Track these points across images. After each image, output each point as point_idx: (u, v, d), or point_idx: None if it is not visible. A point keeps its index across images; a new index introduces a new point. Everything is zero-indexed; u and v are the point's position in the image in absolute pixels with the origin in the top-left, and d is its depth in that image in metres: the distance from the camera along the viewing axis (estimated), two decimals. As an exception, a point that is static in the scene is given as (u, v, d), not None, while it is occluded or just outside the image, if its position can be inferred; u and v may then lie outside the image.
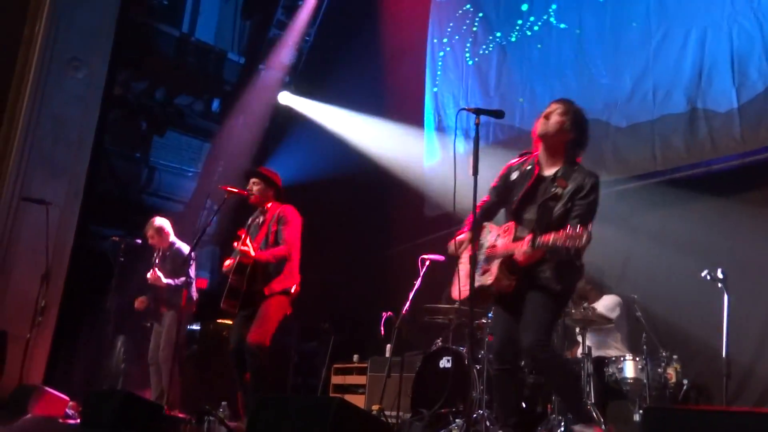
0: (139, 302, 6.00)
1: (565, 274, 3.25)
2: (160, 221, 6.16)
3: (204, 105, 10.69)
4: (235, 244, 4.71)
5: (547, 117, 3.39)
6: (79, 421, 4.82)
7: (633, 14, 5.99)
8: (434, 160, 7.86)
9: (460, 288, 3.41)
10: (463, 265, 3.41)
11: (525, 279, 3.26)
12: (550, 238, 3.02)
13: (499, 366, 3.38)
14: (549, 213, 3.24)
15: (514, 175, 3.49)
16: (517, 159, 3.58)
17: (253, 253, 4.62)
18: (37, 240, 6.49)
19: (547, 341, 3.26)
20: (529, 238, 3.14)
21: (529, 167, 3.44)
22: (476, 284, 3.25)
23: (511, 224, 3.33)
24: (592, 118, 6.17)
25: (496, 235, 3.40)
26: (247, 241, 4.66)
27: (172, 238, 6.16)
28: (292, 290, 4.77)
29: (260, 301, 4.65)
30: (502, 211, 3.60)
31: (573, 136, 3.34)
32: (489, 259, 3.35)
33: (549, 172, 3.37)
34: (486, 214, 3.59)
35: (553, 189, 3.27)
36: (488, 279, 3.28)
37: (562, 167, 3.33)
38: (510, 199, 3.45)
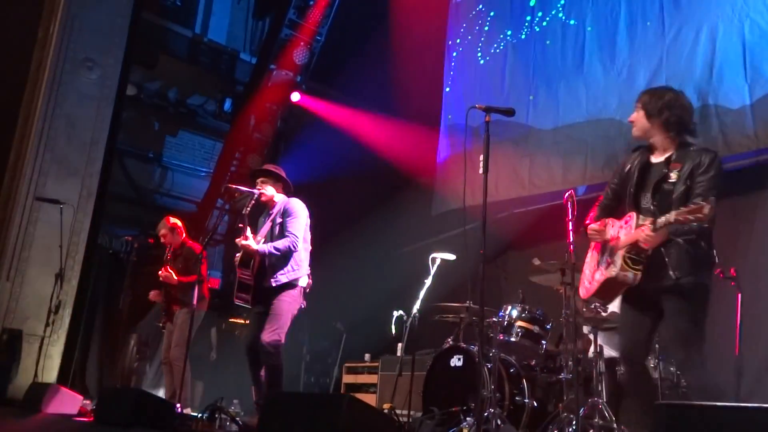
0: (154, 294, 6.06)
1: (692, 262, 3.10)
2: (174, 220, 6.23)
3: (216, 105, 10.72)
4: (237, 240, 4.73)
5: (632, 122, 3.43)
6: (92, 419, 4.86)
7: (647, 12, 5.97)
8: (444, 158, 7.86)
9: (586, 286, 3.42)
10: (588, 264, 3.43)
11: (651, 271, 3.14)
12: (671, 215, 2.95)
13: (628, 367, 3.34)
14: (668, 196, 3.17)
15: (627, 167, 3.45)
16: (633, 152, 3.55)
17: (254, 247, 4.64)
18: (51, 239, 6.56)
19: (699, 358, 3.07)
20: (649, 221, 3.08)
21: (640, 157, 3.42)
22: (602, 277, 3.24)
23: (631, 214, 3.25)
24: (606, 117, 6.20)
25: (618, 228, 3.35)
26: (248, 233, 4.67)
27: (185, 236, 6.21)
28: (302, 282, 4.77)
29: (273, 296, 4.67)
30: None
31: (666, 115, 3.26)
32: (612, 252, 3.29)
33: (660, 157, 3.33)
34: (604, 211, 3.54)
35: (667, 171, 3.22)
36: (612, 270, 3.21)
37: (674, 151, 3.27)
38: (626, 192, 3.40)
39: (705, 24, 5.42)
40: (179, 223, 6.24)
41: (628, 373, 3.36)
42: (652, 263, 3.14)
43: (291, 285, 4.71)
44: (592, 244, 3.52)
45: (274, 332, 4.56)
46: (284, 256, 4.71)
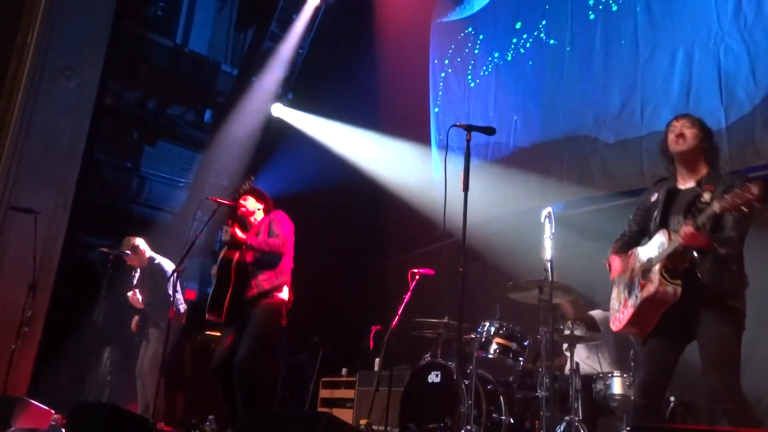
0: (135, 323, 6.01)
1: (732, 284, 3.08)
2: (136, 240, 6.15)
3: (196, 115, 10.67)
4: (226, 229, 4.54)
5: (680, 135, 3.38)
6: (63, 433, 4.77)
7: (622, 32, 6.07)
8: (438, 176, 7.91)
9: (618, 317, 3.35)
10: (615, 299, 3.41)
11: (691, 289, 3.07)
12: (715, 205, 2.90)
13: (644, 400, 3.21)
14: (701, 215, 3.11)
15: (653, 197, 3.46)
16: (655, 185, 3.56)
17: (244, 236, 4.46)
18: (24, 249, 6.44)
19: (737, 385, 3.02)
20: (689, 223, 3.04)
21: (666, 186, 3.42)
22: (639, 300, 3.17)
23: (663, 231, 3.22)
24: (582, 134, 6.29)
25: (647, 252, 3.31)
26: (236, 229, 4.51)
27: (150, 254, 6.15)
28: (283, 295, 4.60)
29: (249, 311, 4.50)
30: None
31: (709, 144, 3.37)
32: (646, 273, 3.24)
33: (689, 184, 3.35)
34: (627, 245, 3.53)
35: (700, 191, 3.22)
36: (650, 288, 3.13)
37: (706, 175, 3.31)
38: (652, 220, 3.39)
39: (681, 47, 5.53)
40: (140, 241, 6.16)
41: (641, 407, 3.21)
42: (691, 279, 3.09)
43: (270, 295, 4.53)
44: (617, 279, 3.48)
45: (250, 353, 4.31)
46: (268, 261, 4.55)
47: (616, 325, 3.40)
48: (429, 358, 5.36)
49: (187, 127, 10.57)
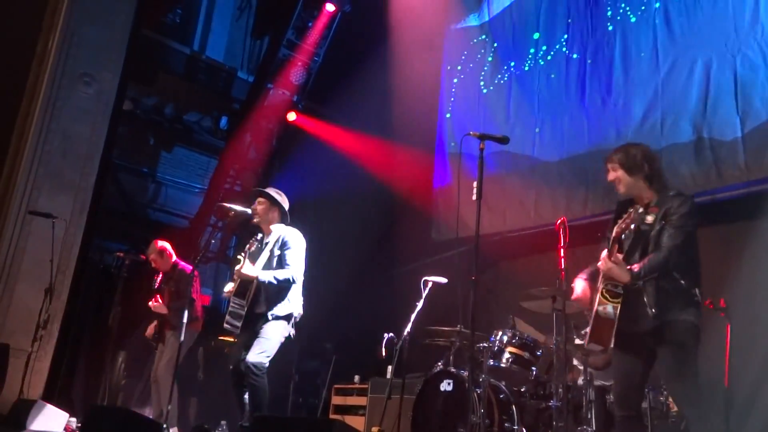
0: (150, 330, 6.03)
1: (671, 299, 3.21)
2: (162, 244, 6.19)
3: (212, 122, 10.76)
4: (236, 268, 4.70)
5: (613, 182, 3.51)
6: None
7: (642, 44, 6.05)
8: (444, 184, 7.89)
9: (587, 332, 3.43)
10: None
11: (632, 312, 3.22)
12: (613, 231, 3.16)
13: (621, 412, 3.36)
14: (644, 236, 3.31)
15: (612, 222, 3.52)
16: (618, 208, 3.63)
17: (254, 274, 4.60)
18: (42, 253, 6.51)
19: (696, 393, 3.15)
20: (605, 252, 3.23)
21: (621, 210, 3.50)
22: (592, 316, 3.30)
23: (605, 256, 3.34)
24: (605, 148, 6.26)
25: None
26: (247, 262, 4.65)
27: (175, 259, 6.18)
28: (295, 314, 4.77)
29: (263, 322, 4.65)
30: None
31: (644, 171, 3.42)
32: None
33: (640, 208, 3.41)
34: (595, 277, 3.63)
35: (645, 215, 3.36)
36: (596, 306, 3.28)
37: (654, 201, 3.42)
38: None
39: (699, 58, 5.51)
40: (167, 246, 6.21)
41: (621, 419, 3.36)
42: (632, 303, 3.23)
43: (284, 317, 4.72)
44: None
45: (260, 354, 4.53)
46: (281, 289, 4.69)
47: (586, 340, 3.48)
48: (441, 367, 5.35)
49: (203, 134, 10.66)
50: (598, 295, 3.25)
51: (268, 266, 4.76)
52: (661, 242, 3.25)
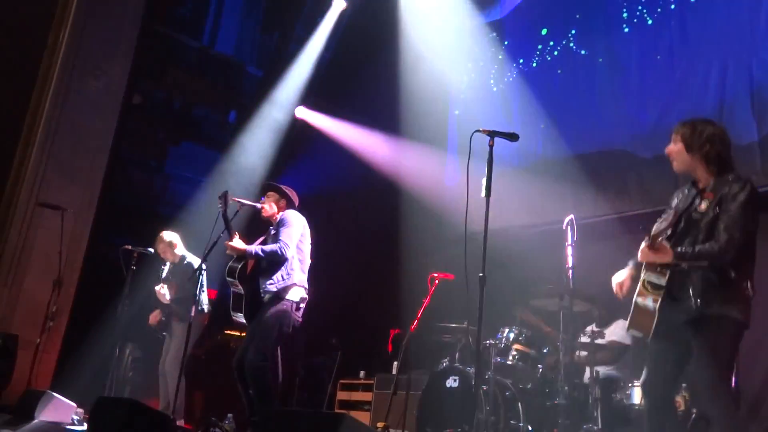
0: (153, 317, 6.06)
1: (717, 291, 2.97)
2: (170, 235, 6.21)
3: (221, 116, 10.77)
4: (225, 243, 4.72)
5: (669, 155, 3.30)
6: (85, 427, 4.83)
7: (658, 46, 6.03)
8: (455, 181, 7.89)
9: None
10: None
11: (676, 299, 3.02)
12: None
13: (649, 402, 3.20)
14: (695, 225, 3.07)
15: (674, 202, 3.36)
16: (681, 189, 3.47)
17: (241, 246, 4.61)
18: (50, 245, 6.55)
19: (730, 402, 2.96)
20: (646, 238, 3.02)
21: (684, 191, 3.34)
22: (633, 305, 3.15)
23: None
24: (617, 148, 6.24)
25: None
26: (237, 238, 4.66)
27: (183, 251, 6.20)
28: (293, 296, 4.69)
29: (262, 310, 4.64)
30: None
31: (705, 149, 3.15)
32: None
33: (694, 192, 3.25)
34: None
35: (699, 201, 3.14)
36: (636, 296, 3.13)
37: (712, 183, 3.15)
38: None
39: (715, 60, 5.49)
40: (176, 237, 6.23)
41: (648, 409, 3.20)
42: (676, 290, 3.03)
43: (279, 297, 4.65)
44: None
45: (258, 351, 4.51)
46: (273, 264, 4.65)
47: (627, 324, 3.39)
48: (447, 363, 5.36)
49: (212, 128, 10.66)
50: (639, 285, 3.09)
51: (263, 245, 4.81)
52: (716, 232, 2.98)
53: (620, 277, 3.29)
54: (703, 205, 3.09)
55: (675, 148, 3.24)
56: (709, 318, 2.97)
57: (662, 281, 3.03)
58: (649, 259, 3.04)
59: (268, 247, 4.65)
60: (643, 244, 3.02)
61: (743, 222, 2.99)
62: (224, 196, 4.77)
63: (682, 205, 3.21)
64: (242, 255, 4.67)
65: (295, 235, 4.74)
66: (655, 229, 3.10)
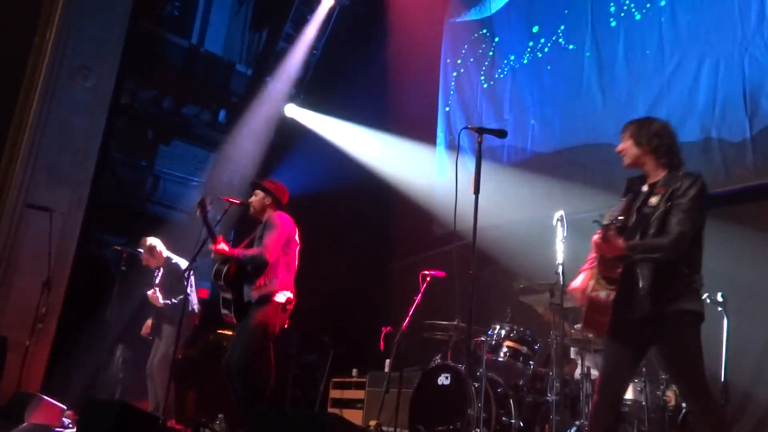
0: (146, 328, 6.04)
1: (670, 287, 3.00)
2: (151, 240, 6.18)
3: (211, 115, 10.73)
4: (210, 246, 4.71)
5: (620, 152, 3.37)
6: (75, 430, 4.81)
7: (646, 41, 6.02)
8: (444, 177, 7.88)
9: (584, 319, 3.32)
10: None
11: (627, 297, 3.04)
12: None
13: (598, 397, 3.20)
14: (646, 219, 3.10)
15: (623, 199, 3.40)
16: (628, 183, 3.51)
17: (226, 250, 4.62)
18: (39, 247, 6.51)
19: (707, 402, 3.01)
20: (599, 231, 3.03)
21: (633, 187, 3.38)
22: (586, 303, 3.16)
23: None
24: (604, 141, 6.23)
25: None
26: (221, 240, 4.68)
27: (166, 254, 6.18)
28: (278, 299, 4.66)
29: (247, 312, 4.65)
30: None
31: (654, 144, 3.24)
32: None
33: (645, 187, 3.29)
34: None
35: (650, 195, 3.19)
36: (591, 293, 3.13)
37: (662, 178, 3.22)
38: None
39: (707, 57, 5.48)
40: (157, 242, 6.20)
41: (596, 403, 3.20)
42: (627, 287, 3.05)
43: (263, 301, 4.64)
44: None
45: (240, 354, 4.50)
46: (256, 268, 4.65)
47: (579, 326, 3.40)
48: (439, 361, 5.35)
49: (201, 127, 10.63)
50: (593, 282, 3.12)
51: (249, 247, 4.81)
52: (667, 226, 3.02)
53: (578, 282, 3.31)
54: (654, 200, 3.15)
55: (625, 145, 3.34)
56: (670, 316, 3.01)
57: (615, 275, 3.06)
58: (601, 250, 3.06)
59: (251, 252, 4.67)
60: (595, 236, 3.04)
61: (694, 216, 3.05)
62: (202, 203, 4.75)
63: (634, 199, 3.26)
64: (227, 258, 4.66)
65: (280, 239, 4.72)
66: (606, 219, 3.11)
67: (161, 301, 5.86)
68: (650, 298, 3.01)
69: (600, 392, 3.20)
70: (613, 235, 2.98)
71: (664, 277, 3.02)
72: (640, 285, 3.03)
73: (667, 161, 3.24)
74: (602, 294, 3.07)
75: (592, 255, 3.33)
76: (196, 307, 6.05)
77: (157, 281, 6.06)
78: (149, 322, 6.04)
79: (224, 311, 4.75)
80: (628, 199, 3.30)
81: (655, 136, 3.25)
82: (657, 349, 3.15)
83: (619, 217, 3.03)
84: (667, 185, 3.14)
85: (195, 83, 10.41)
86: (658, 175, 3.25)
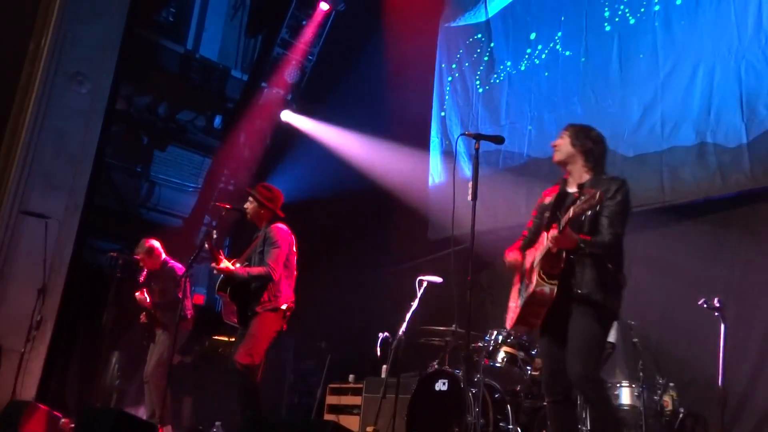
0: (143, 317, 5.98)
1: (605, 283, 3.21)
2: (151, 242, 6.16)
3: (206, 121, 10.73)
4: (212, 265, 4.74)
5: (554, 146, 3.57)
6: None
7: (640, 46, 6.03)
8: (439, 183, 7.88)
9: (511, 315, 3.47)
10: (512, 297, 3.50)
11: (565, 289, 3.21)
12: (569, 211, 3.05)
13: (550, 398, 3.34)
14: (578, 218, 3.20)
15: (548, 200, 3.57)
16: (553, 187, 3.64)
17: (231, 268, 4.63)
18: (34, 254, 6.49)
19: (596, 374, 3.21)
20: (555, 226, 3.17)
21: (559, 188, 3.55)
22: (523, 299, 3.30)
23: (542, 235, 3.34)
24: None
25: (534, 253, 3.42)
26: (224, 259, 4.69)
27: (164, 258, 6.16)
28: (282, 307, 4.73)
29: (251, 318, 4.66)
30: None
31: (588, 147, 3.45)
32: (530, 274, 3.36)
33: (574, 188, 3.46)
34: (527, 245, 3.58)
35: (581, 197, 3.25)
36: (530, 288, 3.27)
37: (589, 179, 3.42)
38: (543, 221, 3.50)
39: (702, 62, 5.49)
40: (156, 244, 6.18)
41: (549, 404, 3.33)
42: (565, 279, 3.22)
43: (270, 310, 4.69)
44: (516, 278, 3.57)
45: (247, 354, 4.52)
46: (262, 284, 4.68)
47: (508, 323, 3.52)
48: (436, 366, 5.34)
49: (197, 133, 10.62)
50: (536, 277, 3.24)
51: (250, 262, 4.82)
52: (599, 226, 3.22)
53: (517, 256, 3.51)
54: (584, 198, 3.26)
55: (561, 141, 3.53)
56: (591, 305, 3.19)
57: (557, 270, 3.22)
58: (558, 243, 3.16)
59: (255, 270, 4.67)
60: (554, 232, 3.15)
61: (622, 220, 3.27)
62: (209, 235, 4.81)
63: (569, 200, 3.37)
64: (232, 277, 4.67)
65: (282, 257, 4.75)
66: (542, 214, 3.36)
67: (148, 301, 5.84)
68: (581, 288, 3.20)
69: (548, 392, 3.34)
70: (570, 229, 3.13)
71: (601, 271, 3.22)
72: (578, 279, 3.22)
73: (593, 166, 3.45)
74: (546, 289, 3.23)
75: (525, 232, 3.60)
76: (188, 312, 6.02)
77: (141, 281, 6.02)
78: (143, 314, 6.00)
79: (229, 315, 4.77)
80: (557, 198, 3.46)
81: (590, 141, 3.48)
82: (569, 328, 3.23)
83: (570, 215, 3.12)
84: (594, 187, 3.28)
85: (190, 89, 10.41)
86: (583, 177, 3.45)
